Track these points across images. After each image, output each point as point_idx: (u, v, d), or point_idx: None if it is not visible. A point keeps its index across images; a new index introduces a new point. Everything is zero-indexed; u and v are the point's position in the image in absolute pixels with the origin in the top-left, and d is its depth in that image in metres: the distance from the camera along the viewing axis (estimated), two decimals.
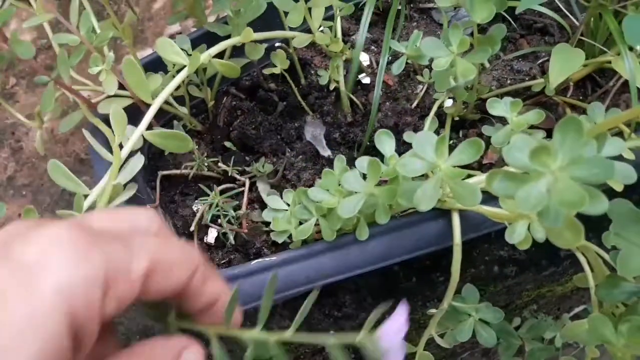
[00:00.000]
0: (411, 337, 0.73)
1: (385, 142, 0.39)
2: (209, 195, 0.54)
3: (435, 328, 0.50)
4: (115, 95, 0.50)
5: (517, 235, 0.36)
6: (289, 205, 0.45)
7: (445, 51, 0.42)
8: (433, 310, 0.44)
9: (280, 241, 0.44)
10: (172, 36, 0.88)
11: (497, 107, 0.41)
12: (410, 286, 0.67)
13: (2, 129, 0.82)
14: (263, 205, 0.55)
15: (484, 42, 0.42)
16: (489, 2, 0.39)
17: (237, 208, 0.53)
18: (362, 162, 0.40)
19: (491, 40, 0.42)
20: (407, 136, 0.44)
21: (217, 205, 0.50)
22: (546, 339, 0.77)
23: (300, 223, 0.42)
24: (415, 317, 0.69)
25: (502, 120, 0.50)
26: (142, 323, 0.65)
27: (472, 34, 0.43)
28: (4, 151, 0.80)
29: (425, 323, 0.67)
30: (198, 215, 0.53)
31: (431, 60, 0.52)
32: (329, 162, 0.55)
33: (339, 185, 0.40)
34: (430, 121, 0.45)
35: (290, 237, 0.44)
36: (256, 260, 0.43)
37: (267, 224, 0.53)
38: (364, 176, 0.39)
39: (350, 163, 0.43)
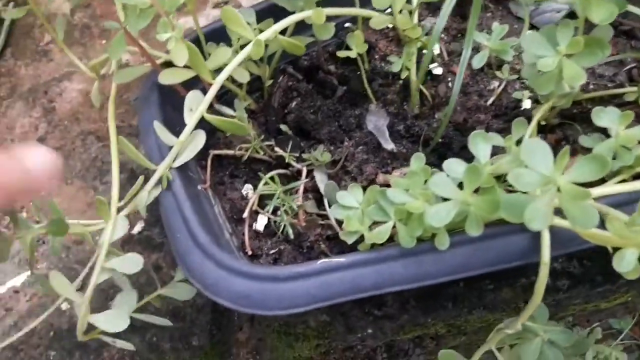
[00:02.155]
0: (448, 341, 0.71)
1: (481, 146, 0.36)
2: (260, 179, 0.51)
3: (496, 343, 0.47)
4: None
5: (626, 263, 0.32)
6: (358, 202, 0.41)
7: (551, 51, 0.38)
8: (509, 331, 0.41)
9: (350, 242, 0.40)
10: (217, 5, 0.84)
11: (603, 118, 0.37)
12: (457, 292, 0.64)
13: (34, 88, 0.78)
14: (318, 196, 0.51)
15: (592, 44, 0.38)
16: (610, 1, 0.35)
17: (288, 196, 0.49)
18: (453, 165, 0.36)
19: (600, 42, 0.38)
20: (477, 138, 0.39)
21: (277, 197, 0.47)
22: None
23: (374, 224, 0.39)
24: (457, 323, 0.66)
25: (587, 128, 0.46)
26: (172, 304, 0.62)
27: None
28: (36, 111, 0.76)
29: (467, 330, 0.64)
30: (252, 200, 0.50)
31: (519, 55, 0.48)
32: (392, 156, 0.51)
33: (425, 187, 0.36)
34: (518, 124, 0.41)
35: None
36: (322, 260, 0.39)
37: (323, 216, 0.50)
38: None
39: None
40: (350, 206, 0.40)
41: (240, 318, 0.65)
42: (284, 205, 0.47)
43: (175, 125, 0.48)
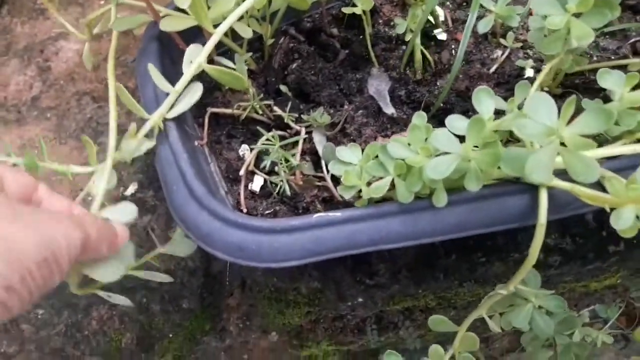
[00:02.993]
0: (437, 314, 0.71)
1: (484, 102, 0.35)
2: (256, 140, 0.50)
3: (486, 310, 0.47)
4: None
5: (623, 221, 0.32)
6: (357, 158, 0.41)
7: (560, 9, 0.37)
8: (502, 292, 0.41)
9: (347, 197, 0.40)
10: None
11: (608, 80, 0.37)
12: (449, 263, 0.64)
13: (30, 46, 0.77)
14: (315, 159, 0.51)
15: (601, 4, 0.38)
16: None
17: (287, 158, 0.49)
18: (456, 121, 0.36)
19: (609, 3, 0.38)
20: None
21: (269, 153, 0.46)
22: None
23: (372, 180, 0.38)
24: (448, 296, 0.66)
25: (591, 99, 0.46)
26: (163, 266, 0.61)
27: None
28: (31, 69, 0.75)
29: (457, 304, 0.64)
30: (249, 158, 0.49)
31: (525, 23, 0.48)
32: (392, 121, 0.51)
33: (426, 143, 0.36)
34: (521, 87, 0.40)
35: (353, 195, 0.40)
36: (318, 215, 0.39)
37: (320, 178, 0.50)
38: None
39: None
40: (349, 162, 0.40)
41: (232, 283, 0.65)
42: (281, 163, 0.46)
43: (174, 80, 0.47)
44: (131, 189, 0.66)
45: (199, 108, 0.53)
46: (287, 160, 0.48)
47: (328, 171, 0.49)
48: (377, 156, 0.38)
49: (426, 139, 0.37)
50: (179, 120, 0.46)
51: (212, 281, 0.64)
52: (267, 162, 0.47)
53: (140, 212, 0.66)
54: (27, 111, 0.72)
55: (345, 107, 0.52)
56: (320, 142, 0.49)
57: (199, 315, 0.62)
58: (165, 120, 0.44)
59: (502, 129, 0.35)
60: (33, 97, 0.72)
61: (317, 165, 0.51)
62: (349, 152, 0.40)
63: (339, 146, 0.41)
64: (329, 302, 0.63)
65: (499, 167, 0.33)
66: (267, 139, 0.49)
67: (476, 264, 0.64)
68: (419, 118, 0.38)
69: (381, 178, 0.38)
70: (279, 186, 0.49)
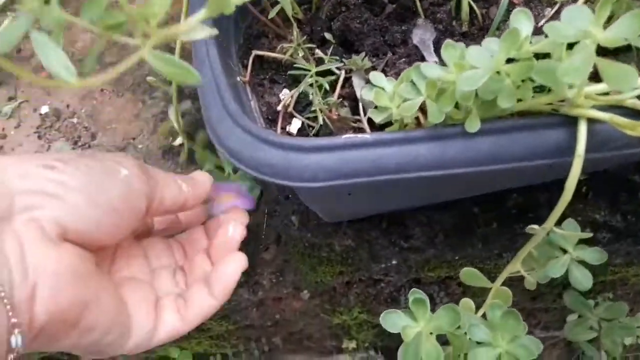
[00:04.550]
0: (475, 290, 0.69)
1: (523, 22, 0.34)
2: (298, 87, 0.51)
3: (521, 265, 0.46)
4: None
5: None
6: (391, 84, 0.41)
7: None
8: (535, 226, 0.39)
9: (378, 120, 0.40)
10: None
11: None
12: (489, 232, 0.62)
13: None
14: (353, 105, 0.51)
15: None
16: None
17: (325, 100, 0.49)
18: (491, 43, 0.35)
19: None
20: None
21: (310, 97, 0.47)
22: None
23: (404, 102, 0.38)
24: (487, 268, 0.64)
25: None
26: None
27: None
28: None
29: (497, 275, 0.62)
30: (287, 99, 0.50)
31: None
32: None
33: (460, 61, 0.35)
34: None
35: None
36: (346, 136, 0.39)
37: (357, 121, 0.50)
38: None
39: None
40: (382, 86, 0.40)
41: (268, 237, 0.65)
42: (319, 102, 0.47)
43: None
44: (179, 140, 0.68)
45: (245, 52, 0.55)
46: (325, 103, 0.49)
47: (365, 113, 0.49)
48: (411, 81, 0.38)
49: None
50: (222, 51, 0.47)
51: (248, 233, 0.65)
52: (301, 87, 0.48)
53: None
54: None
55: (389, 55, 0.52)
56: (359, 85, 0.50)
57: None
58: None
59: (539, 50, 0.34)
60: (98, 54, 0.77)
61: (354, 112, 0.51)
62: (381, 77, 0.40)
63: (373, 71, 0.41)
64: (362, 261, 0.63)
65: (531, 80, 0.32)
66: (308, 84, 0.50)
67: (517, 234, 0.62)
68: (451, 41, 0.38)
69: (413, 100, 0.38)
70: (315, 128, 0.49)
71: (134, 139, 0.70)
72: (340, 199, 0.52)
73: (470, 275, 0.48)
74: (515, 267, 0.46)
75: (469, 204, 0.63)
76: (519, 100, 0.35)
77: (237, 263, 0.42)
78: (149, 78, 0.65)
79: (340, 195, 0.49)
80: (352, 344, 0.89)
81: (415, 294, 0.42)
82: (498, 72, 0.34)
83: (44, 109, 0.74)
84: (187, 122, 0.68)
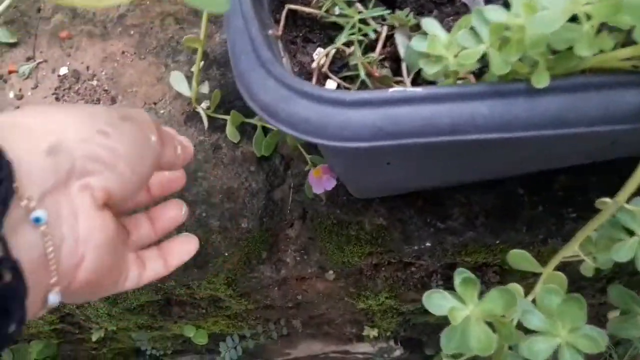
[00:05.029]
0: (514, 279, 0.64)
1: None
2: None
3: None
4: None
5: None
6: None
7: None
8: (606, 200, 0.34)
9: (431, 72, 0.35)
10: None
11: None
12: (534, 215, 0.57)
13: None
14: (395, 66, 0.47)
15: None
16: None
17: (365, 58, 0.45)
18: None
19: None
20: None
21: (346, 56, 0.42)
22: None
23: (462, 52, 0.34)
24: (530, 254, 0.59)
25: None
26: (226, 184, 0.59)
27: None
28: None
29: (543, 259, 0.58)
30: (322, 57, 0.46)
31: None
32: None
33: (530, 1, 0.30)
34: None
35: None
36: (394, 89, 0.35)
37: (398, 82, 0.45)
38: None
39: None
40: (436, 34, 0.35)
41: (293, 213, 0.61)
42: (359, 57, 0.42)
43: None
44: (204, 104, 0.64)
45: (278, 6, 0.50)
46: (365, 60, 0.44)
47: (409, 74, 0.45)
48: (470, 28, 0.33)
49: None
50: (254, 1, 0.43)
51: (273, 206, 0.61)
52: (342, 37, 0.43)
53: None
54: (112, 27, 0.72)
55: (434, 13, 0.47)
56: (403, 43, 0.45)
57: (257, 237, 0.60)
58: None
59: None
60: (119, 15, 0.73)
61: (395, 74, 0.47)
62: (436, 24, 0.35)
63: (426, 18, 0.36)
64: (394, 242, 0.59)
65: (616, 15, 0.27)
66: (347, 38, 0.45)
67: (565, 218, 0.57)
68: None
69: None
70: (352, 90, 0.45)
71: (155, 103, 0.66)
72: (377, 169, 0.47)
73: (518, 257, 0.43)
74: (571, 249, 0.41)
75: (512, 184, 0.58)
76: (600, 51, 0.30)
77: (190, 248, 0.43)
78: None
79: (379, 163, 0.45)
80: (374, 332, 0.85)
81: (463, 273, 0.37)
82: (573, 19, 0.29)
83: (63, 70, 0.70)
84: (211, 87, 0.64)
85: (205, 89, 0.61)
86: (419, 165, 0.47)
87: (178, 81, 0.61)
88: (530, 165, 0.50)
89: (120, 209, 0.36)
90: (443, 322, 0.78)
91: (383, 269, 0.64)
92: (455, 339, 0.35)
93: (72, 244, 0.29)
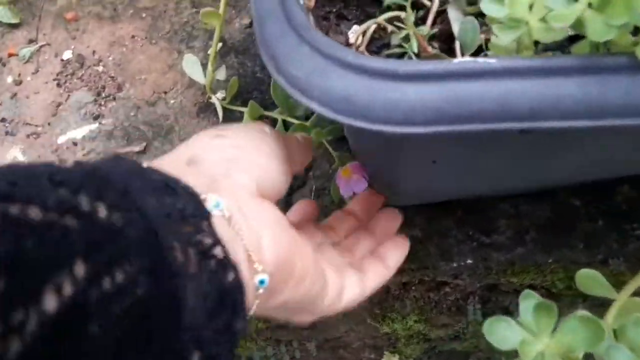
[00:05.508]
0: (563, 304, 0.56)
1: None
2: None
3: None
4: None
5: None
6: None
7: None
8: None
9: (507, 39, 0.28)
10: None
11: None
12: (593, 230, 0.50)
13: None
14: (445, 47, 0.40)
15: None
16: None
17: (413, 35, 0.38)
18: None
19: None
20: None
21: (386, 35, 0.35)
22: None
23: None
24: None
25: None
26: None
27: None
28: None
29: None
30: (359, 34, 0.39)
31: None
32: None
33: None
34: None
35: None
36: (459, 59, 0.28)
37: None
38: None
39: None
40: None
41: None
42: (408, 34, 0.35)
43: None
44: (220, 95, 0.58)
45: None
46: (408, 40, 0.37)
47: (463, 54, 0.38)
48: None
49: None
50: None
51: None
52: (381, 45, 0.37)
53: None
54: (123, 9, 0.66)
55: None
56: (456, 19, 0.38)
57: None
58: None
59: None
60: None
61: (448, 52, 0.40)
62: None
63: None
64: (429, 257, 0.51)
65: None
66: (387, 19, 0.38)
67: (629, 236, 0.49)
68: None
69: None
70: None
71: (165, 92, 0.60)
72: (419, 169, 0.40)
73: (588, 279, 0.36)
74: None
75: (566, 194, 0.50)
76: None
77: (406, 243, 0.45)
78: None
79: (424, 162, 0.38)
80: (394, 359, 0.76)
81: (531, 297, 0.30)
82: None
83: (67, 55, 0.64)
84: (228, 76, 0.58)
85: (221, 74, 0.54)
86: (470, 166, 0.40)
87: (191, 66, 0.55)
88: (602, 170, 0.42)
89: (278, 198, 0.36)
90: (472, 350, 0.70)
91: (413, 288, 0.57)
92: None
93: (247, 226, 0.29)
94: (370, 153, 0.41)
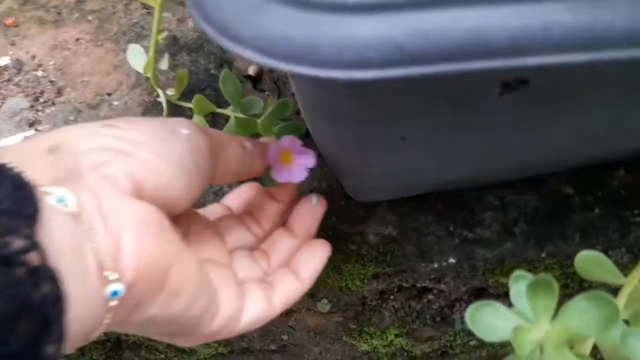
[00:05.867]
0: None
1: None
2: None
3: None
4: None
5: None
6: None
7: None
8: None
9: None
10: None
11: None
12: (590, 219, 0.45)
13: None
14: None
15: None
16: None
17: None
18: None
19: None
20: None
21: None
22: None
23: None
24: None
25: None
26: None
27: None
28: None
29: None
30: None
31: None
32: None
33: None
34: None
35: None
36: None
37: None
38: None
39: None
40: None
41: None
42: None
43: None
44: (169, 92, 0.52)
45: None
46: None
47: None
48: None
49: None
50: None
51: None
52: None
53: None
54: (68, 13, 0.61)
55: None
56: None
57: None
58: None
59: None
60: (78, 1, 0.62)
61: None
62: None
63: None
64: (406, 258, 0.46)
65: None
66: None
67: (629, 223, 0.44)
68: None
69: None
70: None
71: (109, 94, 0.54)
72: (386, 148, 0.35)
73: (591, 262, 0.30)
74: None
75: (557, 182, 0.45)
76: None
77: (326, 248, 0.39)
78: None
79: (390, 136, 0.33)
80: None
81: (525, 278, 0.24)
82: None
83: (4, 61, 0.59)
84: (176, 75, 0.53)
85: (164, 64, 0.49)
86: (444, 143, 0.34)
87: (136, 56, 0.50)
88: (596, 147, 0.37)
89: (176, 208, 0.32)
90: None
91: (392, 297, 0.51)
92: None
93: (102, 225, 0.26)
94: (322, 116, 0.35)
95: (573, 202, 0.44)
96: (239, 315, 0.34)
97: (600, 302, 0.22)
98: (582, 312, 0.23)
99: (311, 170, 0.39)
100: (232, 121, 0.47)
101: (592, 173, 0.45)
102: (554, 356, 0.21)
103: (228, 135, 0.37)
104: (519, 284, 0.24)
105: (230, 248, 0.39)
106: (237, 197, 0.43)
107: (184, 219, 0.36)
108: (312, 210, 0.40)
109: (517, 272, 0.25)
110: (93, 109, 0.53)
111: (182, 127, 0.33)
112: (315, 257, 0.38)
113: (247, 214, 0.42)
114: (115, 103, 0.53)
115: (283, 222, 0.42)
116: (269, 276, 0.38)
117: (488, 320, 0.23)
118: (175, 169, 0.31)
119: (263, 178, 0.41)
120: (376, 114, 0.31)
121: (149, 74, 0.49)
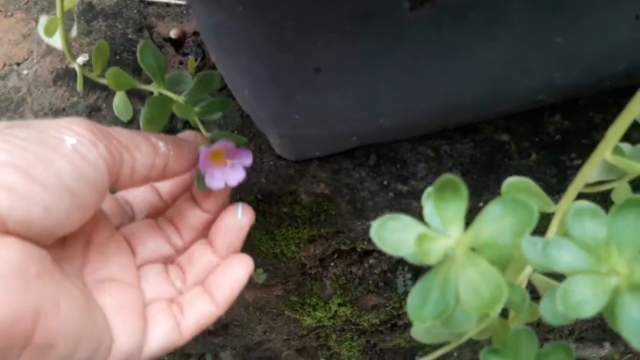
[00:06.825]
0: None
1: None
2: None
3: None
4: None
5: None
6: None
7: None
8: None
9: None
10: None
11: None
12: (525, 166, 0.43)
13: None
14: None
15: None
16: None
17: None
18: None
19: None
20: None
21: None
22: None
23: None
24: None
25: None
26: None
27: None
28: None
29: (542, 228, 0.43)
30: None
31: None
32: None
33: None
34: None
35: None
36: None
37: None
38: None
39: None
40: None
41: None
42: None
43: None
44: (81, 59, 0.49)
45: None
46: None
47: None
48: None
49: None
50: None
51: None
52: None
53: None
54: None
55: None
56: None
57: None
58: None
59: None
60: None
61: None
62: None
63: None
64: (341, 217, 0.43)
65: None
66: None
67: (567, 167, 0.43)
68: None
69: None
70: None
71: (18, 64, 0.50)
72: (302, 85, 0.32)
73: (518, 188, 0.28)
74: (587, 175, 0.27)
75: (491, 130, 0.43)
76: None
77: (245, 267, 0.35)
78: None
79: (304, 67, 0.30)
80: None
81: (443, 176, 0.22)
82: None
83: None
84: (93, 40, 0.49)
85: (74, 32, 0.45)
86: (362, 76, 0.32)
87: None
88: (523, 78, 0.35)
89: (61, 232, 0.28)
90: (417, 344, 0.62)
91: (332, 263, 0.48)
92: (433, 295, 0.19)
93: None
94: (243, 75, 0.33)
95: (509, 149, 0.42)
96: (139, 350, 0.31)
97: (517, 206, 0.20)
98: (497, 218, 0.20)
99: (248, 169, 0.35)
100: (155, 98, 0.42)
101: (528, 120, 0.43)
102: (466, 265, 0.19)
103: (134, 136, 0.32)
104: (436, 183, 0.21)
105: (143, 261, 0.36)
106: (172, 182, 0.38)
107: (85, 230, 0.32)
108: (236, 225, 0.36)
109: (428, 190, 0.23)
110: (1, 79, 0.49)
111: (70, 134, 0.28)
112: (233, 277, 0.35)
113: (167, 222, 0.37)
114: (25, 72, 0.49)
115: (206, 233, 0.37)
116: (182, 296, 0.35)
117: (395, 235, 0.20)
118: (54, 193, 0.26)
119: (196, 179, 0.36)
120: (279, 38, 0.28)
121: (59, 45, 0.45)
